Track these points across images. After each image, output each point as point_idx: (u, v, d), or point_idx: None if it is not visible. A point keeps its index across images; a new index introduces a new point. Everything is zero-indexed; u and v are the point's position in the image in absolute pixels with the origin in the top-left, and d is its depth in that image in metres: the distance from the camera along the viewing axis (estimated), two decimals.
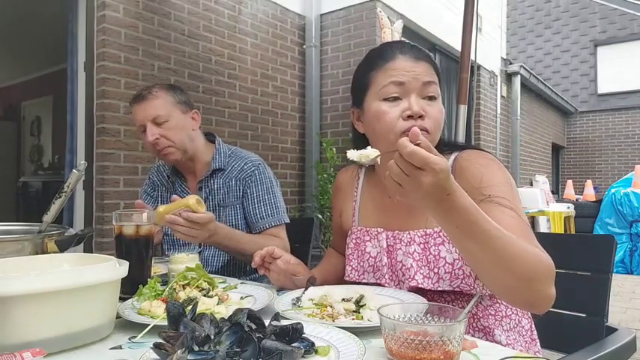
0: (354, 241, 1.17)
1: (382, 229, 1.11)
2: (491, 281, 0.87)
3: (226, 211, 1.68)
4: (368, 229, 1.14)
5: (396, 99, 1.01)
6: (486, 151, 1.07)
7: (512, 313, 1.06)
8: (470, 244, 0.81)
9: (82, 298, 0.76)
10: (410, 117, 0.99)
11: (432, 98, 1.02)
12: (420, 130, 0.91)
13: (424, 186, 0.74)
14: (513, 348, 1.02)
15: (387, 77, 1.02)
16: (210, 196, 1.70)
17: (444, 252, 1.01)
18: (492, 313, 1.04)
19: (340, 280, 1.22)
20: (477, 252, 0.82)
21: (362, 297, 0.96)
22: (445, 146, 1.10)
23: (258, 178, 1.68)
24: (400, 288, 1.06)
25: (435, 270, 1.01)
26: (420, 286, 1.02)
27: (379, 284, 1.10)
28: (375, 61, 1.06)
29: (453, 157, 1.06)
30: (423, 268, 1.02)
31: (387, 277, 1.08)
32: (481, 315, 1.03)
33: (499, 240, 0.79)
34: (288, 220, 1.70)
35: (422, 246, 1.03)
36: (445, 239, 1.01)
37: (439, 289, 1.01)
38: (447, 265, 1.00)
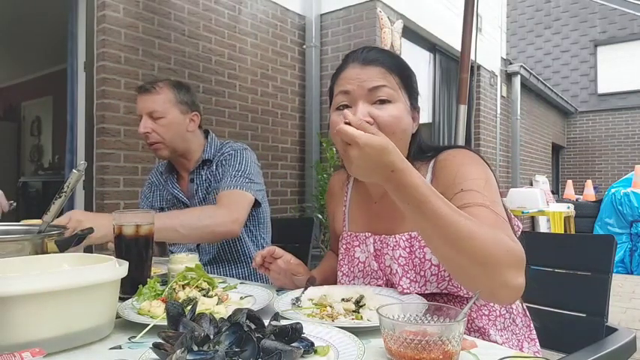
0: (344, 246, 1.17)
1: (370, 234, 1.10)
2: (447, 263, 0.85)
3: (210, 197, 1.70)
4: (357, 233, 1.14)
5: (346, 107, 1.01)
6: (470, 150, 1.06)
7: (506, 312, 1.06)
8: (421, 222, 0.81)
9: (82, 298, 0.76)
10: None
11: (383, 102, 0.99)
12: None
13: (354, 160, 0.80)
14: (510, 348, 1.02)
15: (337, 87, 1.03)
16: (199, 187, 1.73)
17: (429, 254, 1.00)
18: (486, 313, 1.04)
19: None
20: (428, 230, 0.81)
21: (362, 297, 0.96)
22: (427, 152, 1.08)
23: (234, 157, 1.68)
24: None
25: (422, 273, 1.01)
26: (406, 291, 1.01)
27: None
28: (335, 73, 1.07)
29: (433, 160, 1.06)
30: (409, 272, 1.02)
31: (380, 281, 1.08)
32: (475, 315, 1.03)
33: (451, 218, 0.78)
34: (252, 195, 1.59)
35: (407, 250, 1.03)
36: None
37: (427, 292, 1.01)
38: (432, 267, 1.00)
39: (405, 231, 1.04)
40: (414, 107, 1.07)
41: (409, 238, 1.03)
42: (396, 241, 1.04)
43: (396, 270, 1.02)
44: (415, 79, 1.08)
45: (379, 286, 1.08)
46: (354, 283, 1.13)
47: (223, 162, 1.70)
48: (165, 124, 1.64)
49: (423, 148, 1.09)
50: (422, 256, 1.01)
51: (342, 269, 1.15)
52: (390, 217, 1.07)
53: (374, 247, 1.09)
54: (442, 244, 0.81)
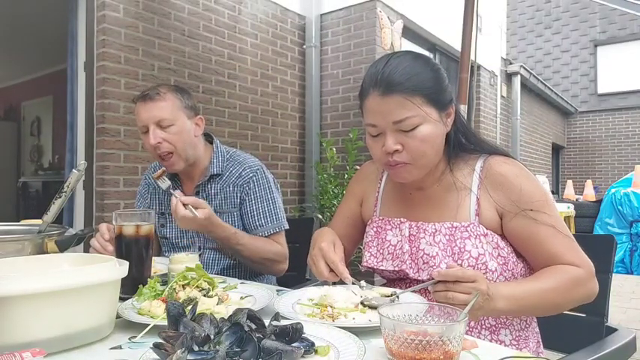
0: (374, 229, 1.20)
1: (405, 219, 1.14)
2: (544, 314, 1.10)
3: (223, 218, 1.64)
4: (389, 218, 1.18)
5: (378, 134, 1.05)
6: (516, 160, 1.11)
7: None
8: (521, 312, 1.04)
9: (82, 298, 0.76)
10: (388, 152, 1.03)
11: (409, 130, 1.01)
12: (398, 164, 1.02)
13: (488, 287, 0.90)
14: (525, 347, 1.03)
15: (365, 117, 1.06)
16: (207, 202, 1.66)
17: (469, 246, 1.03)
18: None
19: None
20: (527, 312, 1.05)
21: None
22: (469, 144, 1.12)
23: (256, 184, 1.66)
24: (419, 276, 1.08)
25: (459, 262, 1.03)
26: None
27: (396, 271, 1.12)
28: (361, 92, 1.07)
29: (481, 161, 1.10)
30: (447, 257, 1.05)
31: (407, 263, 1.10)
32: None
33: (539, 300, 0.98)
34: (287, 226, 1.69)
35: (447, 237, 1.06)
36: (472, 234, 1.04)
37: None
38: (471, 258, 1.03)
39: (446, 220, 1.08)
40: (445, 110, 1.05)
41: (451, 227, 1.07)
42: (436, 229, 1.08)
43: (436, 252, 1.06)
44: (441, 83, 1.05)
45: (409, 267, 1.10)
46: (382, 264, 1.15)
47: (246, 188, 1.65)
48: (176, 131, 1.56)
49: (463, 142, 1.12)
50: (462, 246, 1.04)
51: (371, 250, 1.18)
52: (425, 207, 1.13)
53: (409, 231, 1.12)
54: (538, 314, 1.10)
